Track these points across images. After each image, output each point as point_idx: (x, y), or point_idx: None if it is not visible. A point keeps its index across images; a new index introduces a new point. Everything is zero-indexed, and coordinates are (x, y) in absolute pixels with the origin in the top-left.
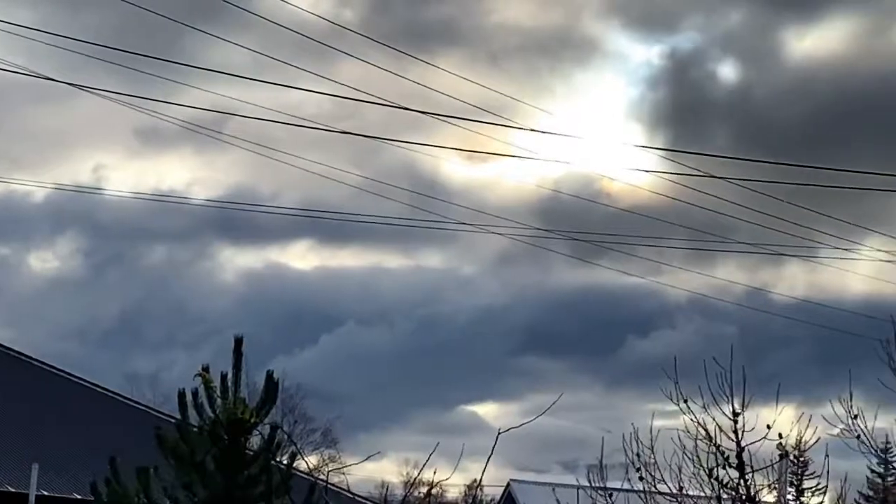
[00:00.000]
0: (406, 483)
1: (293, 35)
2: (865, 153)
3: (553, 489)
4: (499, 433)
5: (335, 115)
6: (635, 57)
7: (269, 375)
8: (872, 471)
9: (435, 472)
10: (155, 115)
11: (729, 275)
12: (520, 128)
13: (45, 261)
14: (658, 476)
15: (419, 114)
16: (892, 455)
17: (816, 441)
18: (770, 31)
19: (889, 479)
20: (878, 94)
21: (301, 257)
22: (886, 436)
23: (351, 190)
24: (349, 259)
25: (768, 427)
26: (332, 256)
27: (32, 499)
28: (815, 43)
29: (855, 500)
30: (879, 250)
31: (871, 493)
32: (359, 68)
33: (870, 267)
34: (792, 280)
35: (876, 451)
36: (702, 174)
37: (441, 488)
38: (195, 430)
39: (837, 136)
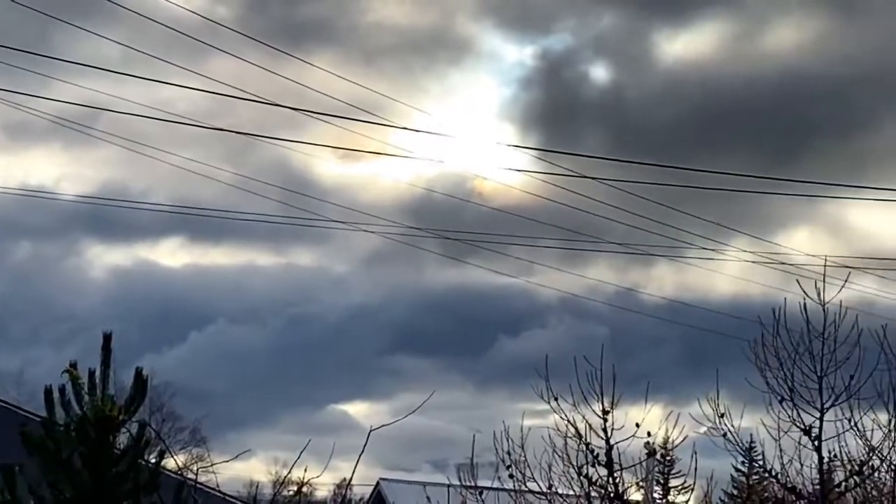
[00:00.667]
0: (275, 482)
1: (166, 30)
2: (733, 155)
3: (424, 487)
4: (370, 430)
5: (209, 112)
6: (509, 57)
7: (139, 372)
8: (737, 469)
9: (306, 471)
10: (23, 109)
11: (600, 275)
12: (394, 126)
13: None
14: (528, 474)
15: (293, 111)
16: (756, 454)
17: (684, 439)
18: (641, 34)
19: (753, 477)
20: (746, 96)
21: (171, 255)
22: (751, 435)
23: (224, 187)
24: (221, 257)
25: (637, 425)
26: (204, 254)
27: None
28: (685, 46)
29: (720, 498)
30: (745, 251)
31: (734, 492)
32: (233, 65)
33: (736, 267)
34: (661, 280)
35: (741, 449)
36: (574, 174)
37: (311, 487)
38: (62, 427)
39: (706, 138)
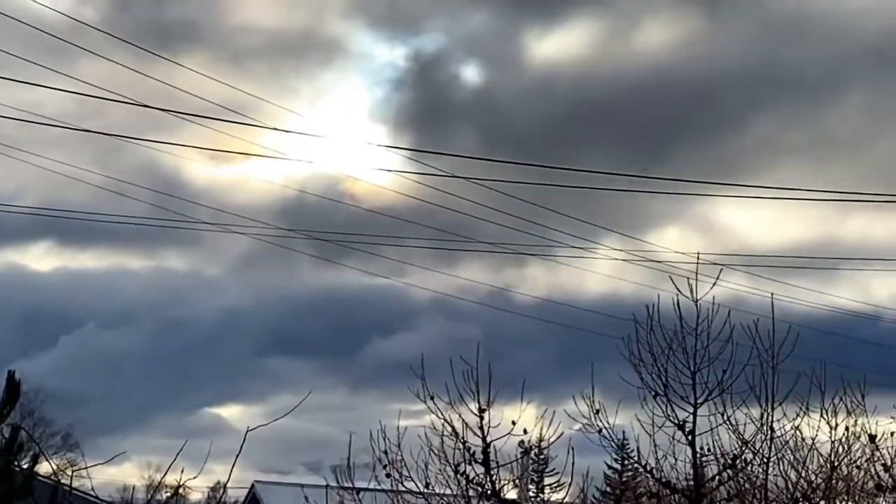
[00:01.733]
0: (149, 486)
1: (32, 31)
2: (604, 154)
3: (302, 489)
4: (247, 431)
5: (77, 114)
6: (380, 58)
7: (11, 376)
8: (610, 466)
9: (182, 473)
10: None
11: (473, 275)
12: (264, 127)
13: None
14: (405, 474)
15: (162, 112)
16: (630, 450)
17: (559, 437)
18: (512, 34)
19: (627, 473)
20: (616, 96)
21: (40, 259)
22: (624, 431)
23: (93, 190)
24: (90, 260)
25: (513, 423)
26: (73, 258)
27: None
28: (555, 45)
29: (593, 495)
30: (617, 249)
31: (608, 489)
32: (101, 66)
33: (608, 266)
34: (534, 280)
35: (615, 445)
36: (444, 174)
37: (185, 490)
38: None
39: (578, 137)
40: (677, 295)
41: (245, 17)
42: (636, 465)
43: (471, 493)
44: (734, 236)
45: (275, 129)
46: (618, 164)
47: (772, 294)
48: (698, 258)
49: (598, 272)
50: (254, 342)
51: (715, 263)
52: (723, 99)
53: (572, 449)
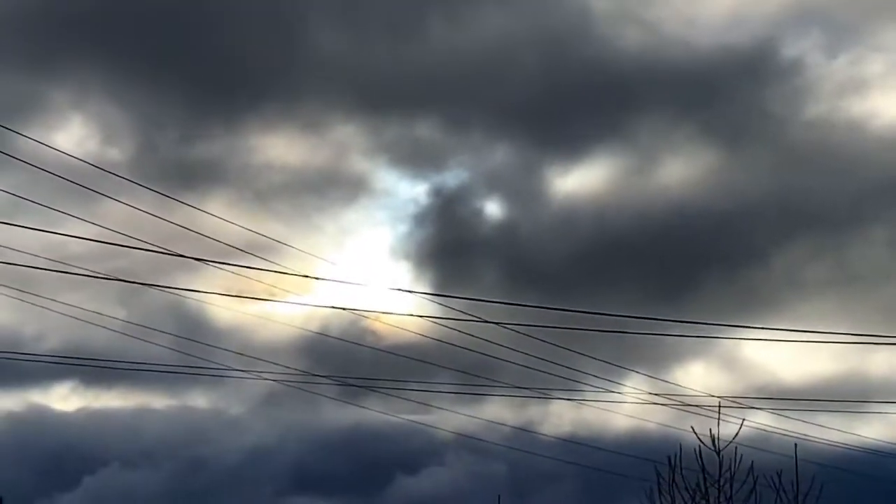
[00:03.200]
0: None
1: (59, 176)
2: (627, 289)
3: None
4: None
5: (101, 255)
6: (402, 194)
7: None
8: None
9: None
10: None
11: (496, 413)
12: (286, 273)
13: None
14: None
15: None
16: None
17: None
18: (534, 170)
19: None
20: (638, 231)
21: (64, 399)
22: None
23: (116, 331)
24: (114, 400)
25: None
26: (97, 398)
27: None
28: (577, 181)
29: None
30: (641, 389)
31: None
32: (125, 209)
33: (633, 404)
34: (558, 417)
35: None
36: (467, 316)
37: None
38: None
39: (600, 273)
40: (700, 445)
41: (269, 155)
42: None
43: None
44: (759, 372)
45: (296, 274)
46: (641, 299)
47: (795, 445)
48: (720, 406)
49: (621, 413)
50: (277, 481)
51: (739, 405)
52: (745, 233)
53: None
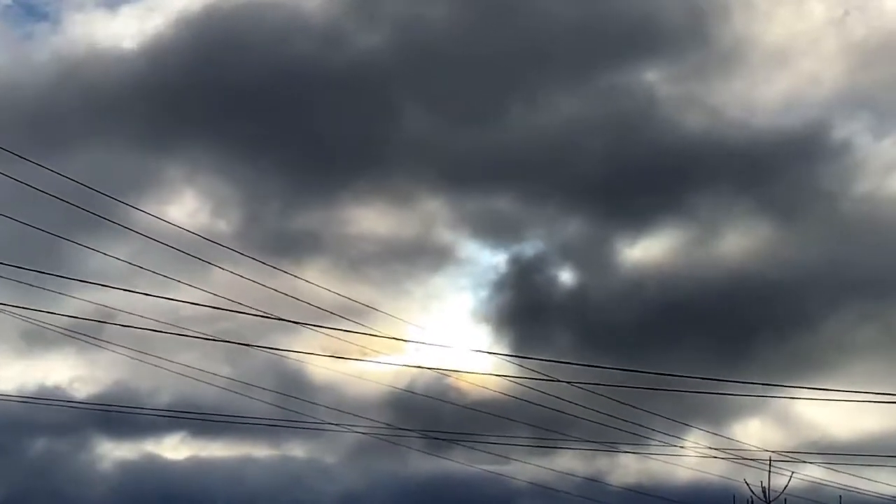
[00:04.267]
0: None
1: (171, 245)
2: (689, 350)
3: None
4: None
5: (209, 319)
6: (483, 263)
7: None
8: None
9: None
10: (38, 323)
11: (568, 464)
12: (377, 335)
13: None
14: None
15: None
16: None
17: None
18: (604, 240)
19: None
20: (699, 297)
21: (174, 449)
22: None
23: (223, 386)
24: (220, 450)
25: None
26: (204, 447)
27: None
28: (643, 251)
29: None
30: (700, 444)
31: None
32: (231, 276)
33: (692, 458)
34: (625, 469)
35: None
36: (544, 377)
37: None
38: None
39: (664, 335)
40: (752, 497)
41: (362, 226)
42: None
43: None
44: (810, 428)
45: (386, 336)
46: (701, 359)
47: (840, 497)
48: (771, 459)
49: (682, 465)
50: None
51: (790, 459)
52: (797, 299)
53: None
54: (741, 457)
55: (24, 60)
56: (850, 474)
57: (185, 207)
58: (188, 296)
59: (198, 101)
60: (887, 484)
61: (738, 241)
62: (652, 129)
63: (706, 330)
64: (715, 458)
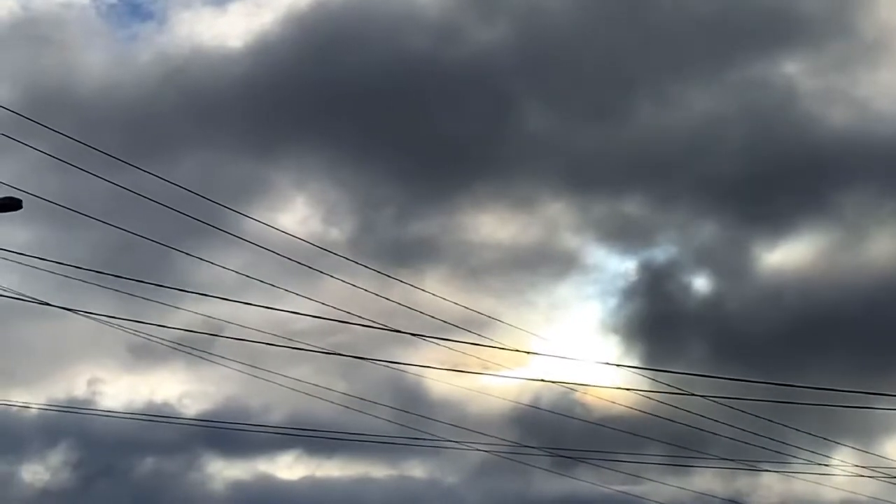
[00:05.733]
0: None
1: (282, 255)
2: (833, 363)
3: None
4: None
5: (323, 330)
6: (611, 269)
7: None
8: None
9: None
10: (146, 336)
11: (706, 485)
12: (499, 347)
13: (36, 473)
14: None
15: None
16: None
17: None
18: (741, 245)
19: None
20: (843, 305)
21: (288, 468)
22: None
23: (338, 402)
24: (336, 469)
25: None
26: (319, 466)
27: None
28: (783, 256)
29: None
30: (849, 463)
31: None
32: (345, 286)
33: (843, 477)
34: (767, 489)
35: None
36: (677, 391)
37: None
38: None
39: (806, 346)
40: None
41: (481, 233)
42: None
43: None
44: None
45: (508, 349)
46: (848, 372)
47: None
48: None
49: (831, 486)
50: None
51: None
52: None
53: None
54: (894, 475)
55: (128, 61)
56: None
57: (295, 215)
58: (300, 307)
59: (307, 103)
60: None
61: (887, 244)
62: (792, 124)
63: (852, 340)
64: (865, 476)
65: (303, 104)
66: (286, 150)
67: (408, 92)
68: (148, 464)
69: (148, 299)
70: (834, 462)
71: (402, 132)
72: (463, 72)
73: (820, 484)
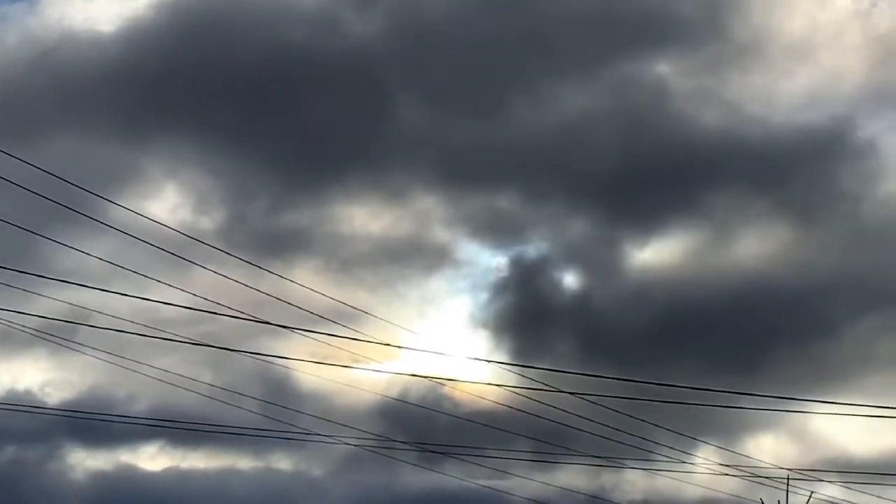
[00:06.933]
0: None
1: (151, 243)
2: (699, 360)
3: None
4: None
5: (191, 321)
6: (483, 265)
7: None
8: None
9: None
10: (6, 323)
11: (571, 481)
12: (369, 340)
13: None
14: None
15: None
16: None
17: None
18: (611, 242)
19: None
20: (711, 304)
21: (152, 459)
22: None
23: (204, 393)
24: (200, 461)
25: None
26: (184, 458)
27: None
28: (653, 254)
29: None
30: (709, 460)
31: None
32: (215, 276)
33: (703, 475)
34: (631, 485)
35: None
36: (545, 387)
37: None
38: None
39: (674, 344)
40: None
41: (354, 225)
42: None
43: None
44: (829, 445)
45: (378, 342)
46: (713, 371)
47: None
48: (789, 478)
49: (693, 483)
50: None
51: (808, 478)
52: (816, 307)
53: None
54: (755, 474)
55: None
56: (871, 494)
57: (165, 203)
58: (168, 297)
59: (180, 90)
60: None
61: (755, 244)
62: (664, 124)
63: (719, 339)
64: (727, 475)
65: (175, 91)
66: (157, 138)
67: (282, 82)
68: (7, 453)
69: (10, 286)
70: (697, 459)
71: (276, 123)
72: (338, 64)
73: (683, 481)
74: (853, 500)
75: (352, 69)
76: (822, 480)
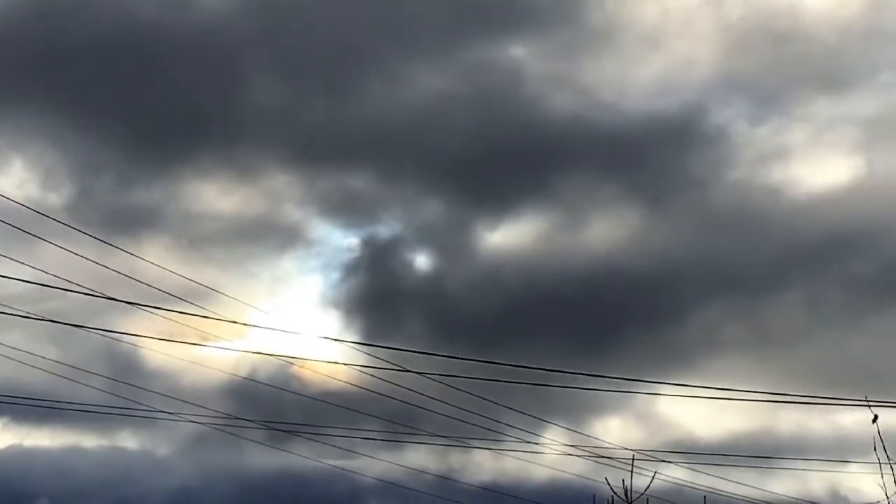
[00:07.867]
0: None
1: None
2: (549, 343)
3: None
4: None
5: (36, 297)
6: (335, 244)
7: None
8: None
9: None
10: None
11: (419, 461)
12: (217, 319)
13: None
14: None
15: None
16: None
17: None
18: (463, 224)
19: None
20: (562, 286)
21: None
22: None
23: (50, 369)
24: (45, 439)
25: None
26: (27, 436)
27: None
28: (504, 236)
29: None
30: (557, 441)
31: None
32: (62, 252)
33: (550, 456)
34: (479, 466)
35: None
36: (393, 367)
37: None
38: None
39: (524, 326)
40: (612, 496)
41: (204, 203)
42: None
43: None
44: (673, 427)
45: (227, 320)
46: (562, 352)
47: (704, 498)
48: (633, 458)
49: (540, 464)
50: None
51: (652, 459)
52: (664, 292)
53: None
54: (601, 455)
55: None
56: (714, 475)
57: (11, 178)
58: (13, 272)
59: (27, 64)
60: (752, 486)
61: (604, 228)
62: (517, 108)
63: (568, 321)
64: (574, 456)
65: (22, 65)
66: (3, 111)
67: (133, 57)
68: None
69: None
70: (544, 440)
71: (126, 98)
72: (191, 40)
73: (530, 462)
74: (696, 481)
75: (205, 45)
76: (666, 461)
